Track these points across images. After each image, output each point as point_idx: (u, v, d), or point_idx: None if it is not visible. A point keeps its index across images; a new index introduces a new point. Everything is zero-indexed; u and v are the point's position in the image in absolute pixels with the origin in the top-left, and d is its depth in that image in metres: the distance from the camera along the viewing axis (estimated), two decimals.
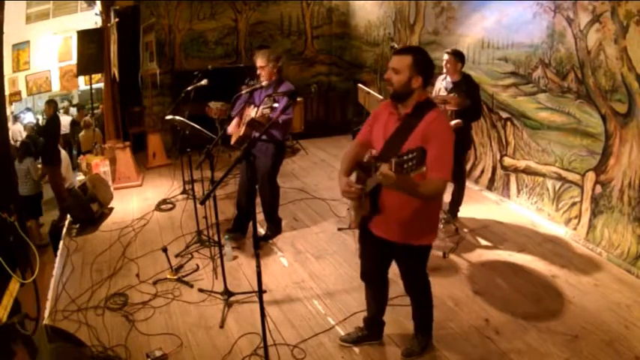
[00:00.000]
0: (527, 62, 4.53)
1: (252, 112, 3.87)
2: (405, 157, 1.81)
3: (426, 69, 2.25)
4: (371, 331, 2.96)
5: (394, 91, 2.29)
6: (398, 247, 2.50)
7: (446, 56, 4.23)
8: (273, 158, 4.02)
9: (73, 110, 11.58)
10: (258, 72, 3.88)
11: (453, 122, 4.15)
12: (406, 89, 2.25)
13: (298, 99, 7.00)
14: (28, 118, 10.70)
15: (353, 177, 2.50)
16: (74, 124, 10.40)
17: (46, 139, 6.99)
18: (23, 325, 3.39)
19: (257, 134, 3.63)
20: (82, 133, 8.93)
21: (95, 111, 8.97)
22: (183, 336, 3.07)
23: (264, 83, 3.81)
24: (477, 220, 4.64)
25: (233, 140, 3.98)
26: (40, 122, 10.43)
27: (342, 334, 3.06)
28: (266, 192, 4.18)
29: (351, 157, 2.54)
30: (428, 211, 2.39)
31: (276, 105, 3.59)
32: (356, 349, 2.93)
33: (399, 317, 3.22)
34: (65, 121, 10.13)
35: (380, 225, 2.48)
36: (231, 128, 4.04)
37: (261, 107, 3.55)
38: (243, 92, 3.77)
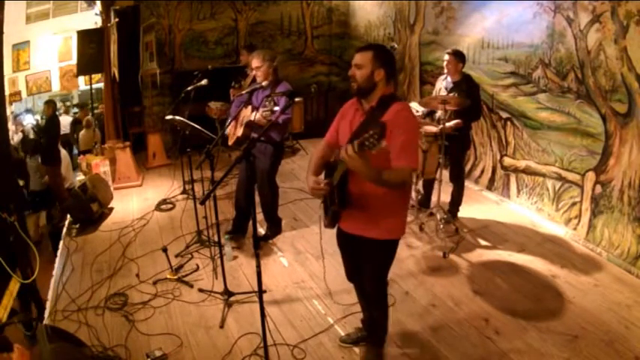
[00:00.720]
0: (527, 62, 4.53)
1: (249, 114, 3.87)
2: (366, 135, 1.86)
3: (387, 62, 2.30)
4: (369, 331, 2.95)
5: (358, 87, 2.33)
6: (363, 242, 2.45)
7: (446, 56, 4.23)
8: (272, 158, 4.02)
9: (73, 110, 11.58)
10: (253, 72, 3.88)
11: (452, 122, 4.15)
12: (369, 83, 2.30)
13: (297, 99, 7.02)
14: (28, 119, 10.68)
15: (321, 177, 2.47)
16: (76, 123, 10.39)
17: (45, 139, 6.99)
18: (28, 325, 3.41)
19: (256, 135, 3.65)
20: (83, 132, 8.92)
21: (95, 111, 8.97)
22: (183, 336, 3.07)
23: (264, 83, 3.81)
24: (477, 220, 4.64)
25: (231, 141, 3.98)
26: (40, 123, 10.41)
27: (342, 334, 3.06)
28: (265, 192, 4.18)
29: (319, 157, 2.55)
30: (394, 203, 2.37)
31: (276, 108, 3.59)
32: (356, 349, 2.93)
33: (399, 317, 3.22)
34: (65, 121, 10.12)
35: (347, 219, 2.47)
36: (229, 128, 4.04)
37: (261, 110, 3.54)
38: (243, 92, 3.77)
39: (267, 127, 3.46)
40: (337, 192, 2.33)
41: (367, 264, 2.57)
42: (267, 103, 3.57)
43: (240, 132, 3.81)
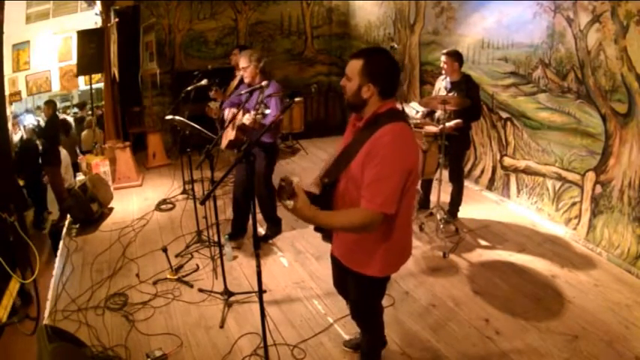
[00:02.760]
0: (527, 62, 4.53)
1: (241, 117, 3.90)
2: (283, 184, 1.73)
3: (380, 75, 1.91)
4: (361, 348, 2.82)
5: (347, 101, 2.01)
6: (345, 270, 2.23)
7: (443, 57, 4.26)
8: (266, 160, 4.02)
9: (74, 110, 11.57)
10: (241, 73, 3.88)
11: (453, 122, 4.15)
12: (357, 99, 1.95)
13: (297, 99, 7.02)
14: (28, 119, 10.67)
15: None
16: (79, 122, 10.38)
17: (45, 139, 6.99)
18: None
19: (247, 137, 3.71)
20: (85, 132, 8.92)
21: (89, 112, 8.98)
22: (183, 336, 3.07)
23: (263, 83, 3.80)
24: (477, 220, 4.64)
25: (223, 144, 3.98)
26: (41, 123, 10.41)
27: (342, 333, 3.06)
28: (262, 194, 4.19)
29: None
30: (365, 239, 2.05)
31: (267, 111, 3.61)
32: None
33: (399, 317, 3.22)
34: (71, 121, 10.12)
35: (334, 244, 2.27)
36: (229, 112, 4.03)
37: (252, 113, 3.56)
38: (243, 92, 3.77)
39: (260, 127, 3.54)
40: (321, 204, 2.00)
41: (350, 289, 2.36)
42: (257, 106, 3.57)
43: (232, 135, 3.82)
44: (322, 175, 2.07)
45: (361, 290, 2.28)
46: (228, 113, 4.02)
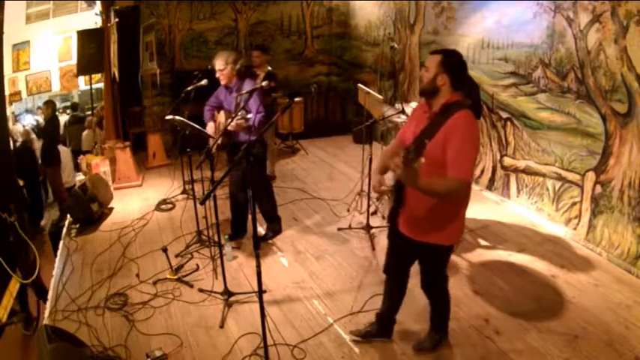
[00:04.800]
0: (527, 62, 4.53)
1: (224, 120, 3.95)
2: (410, 149, 1.96)
3: (453, 68, 2.30)
4: (381, 327, 2.97)
5: (421, 88, 2.38)
6: (417, 245, 2.51)
7: None
8: (257, 157, 4.02)
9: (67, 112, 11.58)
10: (217, 75, 3.89)
11: None
12: (432, 86, 2.32)
13: (297, 99, 7.02)
14: (28, 119, 10.68)
15: (389, 175, 2.54)
16: (74, 122, 10.39)
17: (45, 139, 6.99)
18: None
19: (251, 136, 3.77)
20: (86, 132, 8.92)
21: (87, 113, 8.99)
22: (183, 336, 3.07)
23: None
24: (477, 220, 4.64)
25: (213, 148, 3.99)
26: (40, 123, 10.42)
27: (342, 333, 3.06)
28: (259, 191, 4.19)
29: (388, 155, 2.57)
30: (445, 209, 2.38)
31: (249, 116, 3.64)
32: (356, 349, 2.93)
33: (399, 317, 3.21)
34: (63, 120, 10.12)
35: (403, 222, 2.54)
36: (210, 130, 4.04)
37: (235, 119, 3.59)
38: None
39: (245, 131, 3.72)
40: (395, 190, 2.46)
41: (421, 264, 2.68)
42: (238, 111, 3.63)
43: (220, 141, 3.85)
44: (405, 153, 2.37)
45: (433, 259, 2.60)
46: (217, 117, 4.08)
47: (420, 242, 2.48)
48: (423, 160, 1.96)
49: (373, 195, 4.37)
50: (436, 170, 2.21)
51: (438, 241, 2.46)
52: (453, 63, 2.31)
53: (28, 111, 11.13)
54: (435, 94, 2.33)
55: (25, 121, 10.45)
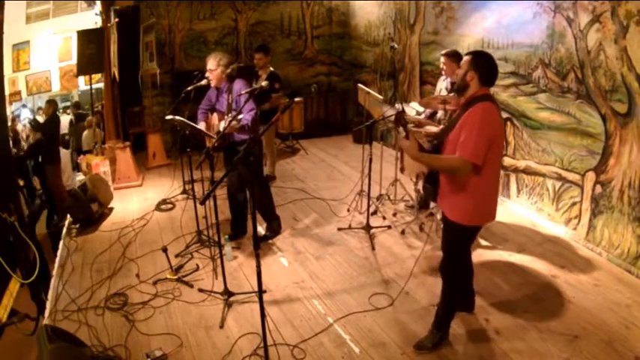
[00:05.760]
0: (527, 62, 4.53)
1: (217, 122, 3.97)
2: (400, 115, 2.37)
3: (481, 67, 2.57)
4: (461, 301, 3.09)
5: (456, 85, 2.68)
6: (445, 221, 2.81)
7: (442, 58, 4.27)
8: (253, 156, 4.03)
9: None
10: (207, 74, 3.90)
11: None
12: (462, 82, 2.62)
13: (297, 99, 7.02)
14: (25, 114, 10.66)
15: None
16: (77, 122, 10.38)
17: (45, 137, 7.00)
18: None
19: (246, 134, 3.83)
20: (86, 132, 8.93)
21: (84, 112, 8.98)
22: (183, 336, 3.07)
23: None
24: None
25: (211, 149, 4.00)
26: (37, 118, 10.39)
27: (342, 333, 3.06)
28: (257, 190, 4.19)
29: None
30: (461, 189, 2.63)
31: (240, 117, 3.66)
32: (356, 349, 2.93)
33: (399, 317, 3.22)
34: (64, 120, 10.12)
35: (440, 199, 2.84)
36: (204, 127, 4.06)
37: (226, 120, 3.61)
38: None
39: (240, 131, 3.76)
40: (428, 171, 2.83)
41: (443, 240, 2.93)
42: (230, 114, 3.69)
43: (215, 142, 3.86)
44: (433, 137, 2.84)
45: (450, 236, 2.83)
46: (210, 119, 4.10)
47: (446, 218, 2.77)
48: (401, 129, 2.35)
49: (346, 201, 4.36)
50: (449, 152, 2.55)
51: (455, 219, 2.70)
52: (483, 63, 2.58)
53: (24, 106, 11.08)
54: (466, 89, 2.61)
55: (22, 116, 10.40)
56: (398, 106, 4.64)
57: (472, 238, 2.88)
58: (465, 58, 2.65)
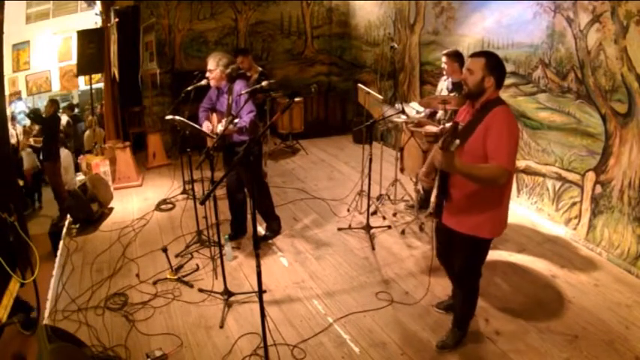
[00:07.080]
0: (527, 62, 4.53)
1: (216, 123, 3.97)
2: (445, 136, 2.07)
3: (497, 70, 2.42)
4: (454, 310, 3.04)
5: (469, 91, 2.48)
6: (458, 236, 2.61)
7: (443, 58, 4.26)
8: (252, 156, 4.03)
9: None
10: (207, 74, 3.91)
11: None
12: (479, 88, 2.43)
13: (297, 99, 7.02)
14: (20, 107, 10.61)
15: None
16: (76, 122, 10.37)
17: (45, 136, 7.01)
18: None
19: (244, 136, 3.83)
20: (87, 132, 8.93)
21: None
22: (183, 336, 3.07)
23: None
24: None
25: (211, 149, 4.01)
26: (32, 108, 10.32)
27: (342, 333, 3.06)
28: (256, 190, 4.19)
29: (433, 156, 2.68)
30: (486, 201, 2.47)
31: (236, 120, 3.68)
32: (356, 349, 2.93)
33: (399, 317, 3.22)
34: (64, 120, 10.12)
35: (447, 213, 2.64)
36: (207, 129, 4.05)
37: (223, 122, 3.63)
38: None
39: (239, 132, 3.76)
40: (440, 182, 2.57)
41: (457, 255, 2.73)
42: (228, 116, 3.71)
43: (215, 143, 3.86)
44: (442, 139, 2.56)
45: (471, 251, 2.64)
46: (212, 120, 4.10)
47: (461, 233, 2.57)
48: (457, 142, 2.08)
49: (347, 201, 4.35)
50: (477, 162, 2.36)
51: (477, 233, 2.53)
52: (497, 65, 2.42)
53: (19, 99, 11.01)
54: (482, 94, 2.44)
55: (17, 110, 10.33)
56: (398, 106, 4.64)
57: (489, 246, 2.72)
58: (477, 62, 2.44)
